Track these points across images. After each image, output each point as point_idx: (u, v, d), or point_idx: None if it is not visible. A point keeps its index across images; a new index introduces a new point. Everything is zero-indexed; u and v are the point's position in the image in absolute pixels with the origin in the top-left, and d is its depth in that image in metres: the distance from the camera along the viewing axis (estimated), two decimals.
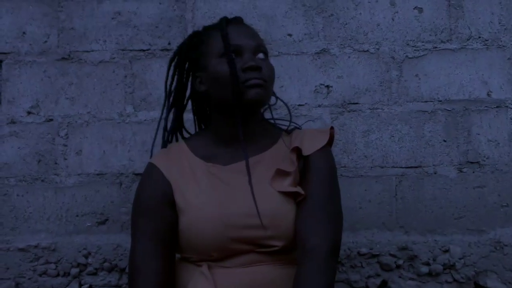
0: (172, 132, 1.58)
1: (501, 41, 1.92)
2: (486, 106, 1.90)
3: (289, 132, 1.51)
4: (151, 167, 1.45)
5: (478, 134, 1.90)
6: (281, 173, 1.38)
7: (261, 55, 1.42)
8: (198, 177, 1.39)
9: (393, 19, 1.93)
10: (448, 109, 1.91)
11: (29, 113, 1.93)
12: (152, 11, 1.95)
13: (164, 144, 1.56)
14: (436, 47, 1.93)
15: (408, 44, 1.93)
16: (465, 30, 1.93)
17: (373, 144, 1.90)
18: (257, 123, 1.45)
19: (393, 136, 1.90)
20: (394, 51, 1.92)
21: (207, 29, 1.51)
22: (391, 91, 1.91)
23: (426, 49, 1.93)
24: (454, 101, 1.91)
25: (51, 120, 1.93)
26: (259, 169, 1.39)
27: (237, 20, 1.48)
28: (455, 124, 1.90)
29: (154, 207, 1.39)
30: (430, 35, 1.93)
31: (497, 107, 1.90)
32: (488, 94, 1.91)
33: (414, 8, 1.94)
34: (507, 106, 1.90)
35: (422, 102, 1.91)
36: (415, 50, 1.93)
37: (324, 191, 1.37)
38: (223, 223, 1.31)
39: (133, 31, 1.95)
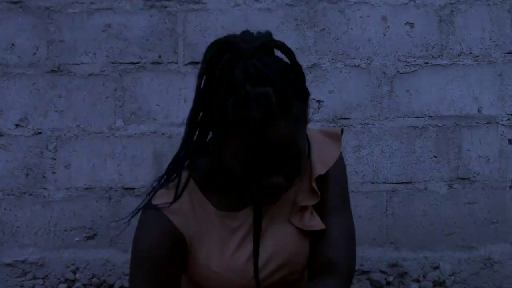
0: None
1: (491, 57, 1.92)
2: (476, 122, 1.90)
3: None
4: (158, 215, 1.16)
5: (469, 150, 1.90)
6: (302, 208, 1.22)
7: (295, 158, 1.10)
8: (213, 229, 1.20)
9: (384, 34, 1.93)
10: (439, 124, 1.91)
11: (17, 125, 1.91)
12: (143, 24, 1.94)
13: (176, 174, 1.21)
14: (427, 63, 1.93)
15: (399, 60, 1.93)
16: (456, 46, 1.93)
17: (364, 159, 1.89)
18: None
19: (384, 152, 1.90)
20: (386, 66, 1.92)
21: (241, 100, 1.02)
22: (382, 107, 1.91)
23: (417, 64, 1.93)
24: (445, 116, 1.91)
25: (40, 133, 1.91)
26: (272, 206, 1.22)
27: (278, 105, 1.02)
28: (446, 140, 1.90)
29: (158, 262, 1.16)
30: (421, 50, 1.93)
31: (487, 123, 1.90)
32: (478, 110, 1.91)
33: (405, 24, 1.94)
34: (497, 122, 1.90)
35: (413, 117, 1.91)
36: (406, 65, 1.93)
37: (341, 204, 1.25)
38: (250, 279, 1.23)
39: (124, 43, 1.94)
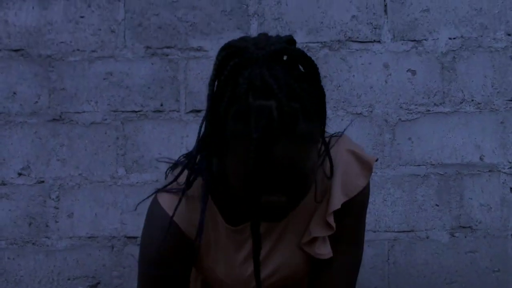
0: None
1: (494, 104, 1.92)
2: (478, 170, 1.91)
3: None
4: (167, 221, 1.12)
5: (471, 199, 1.90)
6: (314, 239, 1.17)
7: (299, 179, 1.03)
8: (220, 240, 1.18)
9: (386, 82, 1.93)
10: (440, 173, 1.91)
11: (20, 174, 1.92)
12: (144, 71, 1.94)
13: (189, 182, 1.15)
14: (429, 110, 1.93)
15: (401, 107, 1.93)
16: (458, 93, 1.93)
17: None
18: None
19: (385, 200, 1.90)
20: (387, 114, 1.92)
21: (241, 112, 0.96)
22: (384, 155, 1.91)
23: (419, 112, 1.93)
24: (447, 165, 1.91)
25: (42, 182, 1.92)
26: (281, 223, 1.17)
27: (280, 123, 0.94)
28: (448, 188, 1.90)
29: (166, 266, 1.15)
30: (423, 98, 1.93)
31: (489, 171, 1.91)
32: (480, 158, 1.91)
33: (407, 71, 1.93)
34: (499, 170, 1.90)
35: (415, 165, 1.91)
36: (408, 113, 1.93)
37: (354, 236, 1.20)
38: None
39: (125, 92, 1.94)
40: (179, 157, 1.17)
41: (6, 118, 1.93)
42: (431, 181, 1.90)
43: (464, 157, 1.91)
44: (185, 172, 1.11)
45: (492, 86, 1.93)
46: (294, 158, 0.95)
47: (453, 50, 1.93)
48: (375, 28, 1.94)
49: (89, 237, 1.90)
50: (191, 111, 1.92)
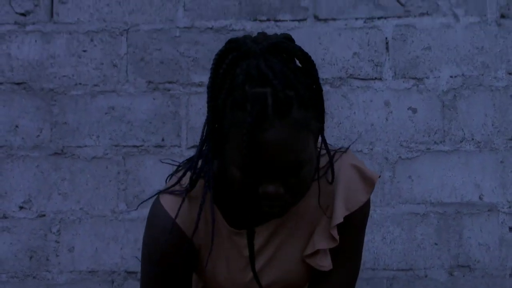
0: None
1: (494, 143, 1.93)
2: (478, 210, 1.91)
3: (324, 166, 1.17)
4: (169, 222, 1.13)
5: (470, 238, 1.91)
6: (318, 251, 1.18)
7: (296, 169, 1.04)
8: (222, 243, 1.18)
9: (387, 119, 1.94)
10: (440, 211, 1.92)
11: (21, 208, 1.93)
12: (146, 106, 1.94)
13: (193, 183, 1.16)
14: (429, 149, 1.93)
15: (401, 145, 1.93)
16: (459, 132, 1.93)
17: (365, 246, 1.90)
18: None
19: (385, 238, 1.91)
20: (388, 151, 1.93)
21: (238, 100, 0.99)
22: (384, 192, 1.92)
23: (420, 150, 1.93)
24: (446, 203, 1.92)
25: (44, 215, 1.93)
26: (282, 232, 1.19)
27: (274, 108, 0.97)
28: (447, 227, 1.91)
29: (169, 268, 1.16)
30: (423, 136, 1.93)
31: (488, 210, 1.91)
32: (480, 198, 1.92)
33: (408, 109, 1.94)
34: (498, 210, 1.91)
35: (414, 204, 1.92)
36: (408, 151, 1.93)
37: (353, 250, 1.23)
38: None
39: (127, 126, 1.94)
40: (180, 163, 1.19)
41: (8, 152, 1.94)
42: (431, 220, 1.91)
43: (463, 196, 1.92)
44: (187, 176, 1.13)
45: (493, 125, 1.93)
46: (288, 143, 0.97)
47: (454, 89, 1.94)
48: (376, 65, 1.94)
49: (89, 272, 1.91)
50: (192, 147, 1.93)
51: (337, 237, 1.14)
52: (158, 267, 1.15)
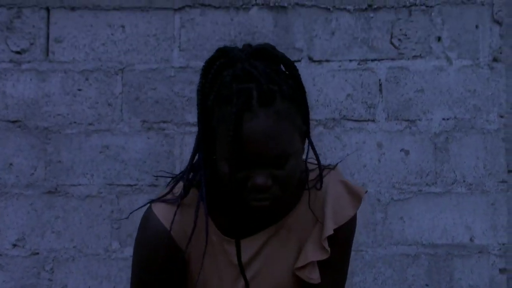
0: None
1: (485, 186, 1.95)
2: (468, 251, 1.93)
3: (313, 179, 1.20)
4: (161, 230, 1.15)
5: (460, 279, 1.93)
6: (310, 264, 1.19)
7: (281, 160, 1.07)
8: (213, 253, 1.20)
9: (379, 161, 1.95)
10: (431, 253, 1.93)
11: (14, 246, 1.94)
12: (140, 146, 1.95)
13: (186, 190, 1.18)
14: (421, 190, 1.95)
15: (394, 186, 1.95)
16: (450, 174, 1.95)
17: (357, 286, 1.92)
18: None
19: (376, 279, 1.93)
20: (380, 193, 1.95)
21: (225, 97, 1.05)
22: (376, 234, 1.94)
23: (412, 192, 1.95)
24: (437, 245, 1.94)
25: (37, 253, 1.93)
26: (273, 244, 1.20)
27: (258, 99, 1.04)
28: (438, 268, 1.93)
29: (157, 275, 1.17)
30: (415, 178, 1.95)
31: (479, 252, 1.93)
32: (471, 239, 1.94)
33: (400, 150, 1.96)
34: (489, 252, 1.93)
35: (406, 245, 1.94)
36: (400, 192, 1.95)
37: (340, 264, 1.25)
38: None
39: (121, 165, 1.95)
40: (174, 175, 1.22)
41: (2, 189, 1.94)
42: (422, 261, 1.93)
43: (454, 238, 1.94)
44: (180, 186, 1.16)
45: (484, 168, 1.95)
46: (273, 131, 1.02)
47: (446, 131, 1.96)
48: (369, 107, 1.96)
49: None
50: None
51: (328, 248, 1.16)
52: (147, 272, 1.17)
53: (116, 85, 1.96)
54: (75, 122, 1.96)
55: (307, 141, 1.14)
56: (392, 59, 1.96)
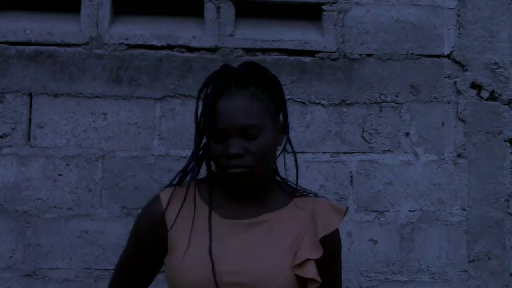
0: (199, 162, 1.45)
1: (447, 275, 2.06)
2: None
3: (300, 194, 1.44)
4: (156, 201, 1.41)
5: None
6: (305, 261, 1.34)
7: (252, 132, 1.31)
8: (198, 225, 1.36)
9: (349, 250, 2.05)
10: None
11: None
12: (119, 231, 2.00)
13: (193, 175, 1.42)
14: (387, 278, 2.05)
15: (362, 274, 2.04)
16: (415, 263, 2.06)
17: None
18: (261, 185, 1.39)
19: None
20: (349, 280, 2.03)
21: (212, 85, 1.37)
22: None
23: (379, 279, 2.05)
24: None
25: None
26: (263, 227, 1.36)
27: (236, 84, 1.33)
28: None
29: (141, 240, 1.41)
30: (382, 266, 2.05)
31: None
32: None
33: (369, 240, 2.05)
34: None
35: None
36: (368, 280, 2.04)
37: (334, 276, 1.46)
38: (212, 282, 1.30)
39: (99, 250, 2.00)
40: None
41: None
42: None
43: None
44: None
45: (447, 258, 2.06)
46: (246, 106, 1.30)
47: (412, 222, 2.06)
48: (341, 198, 2.05)
49: None
50: None
51: (321, 248, 1.33)
52: (133, 244, 1.43)
53: (96, 171, 2.01)
54: (55, 207, 2.00)
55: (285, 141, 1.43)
56: (363, 153, 2.07)
